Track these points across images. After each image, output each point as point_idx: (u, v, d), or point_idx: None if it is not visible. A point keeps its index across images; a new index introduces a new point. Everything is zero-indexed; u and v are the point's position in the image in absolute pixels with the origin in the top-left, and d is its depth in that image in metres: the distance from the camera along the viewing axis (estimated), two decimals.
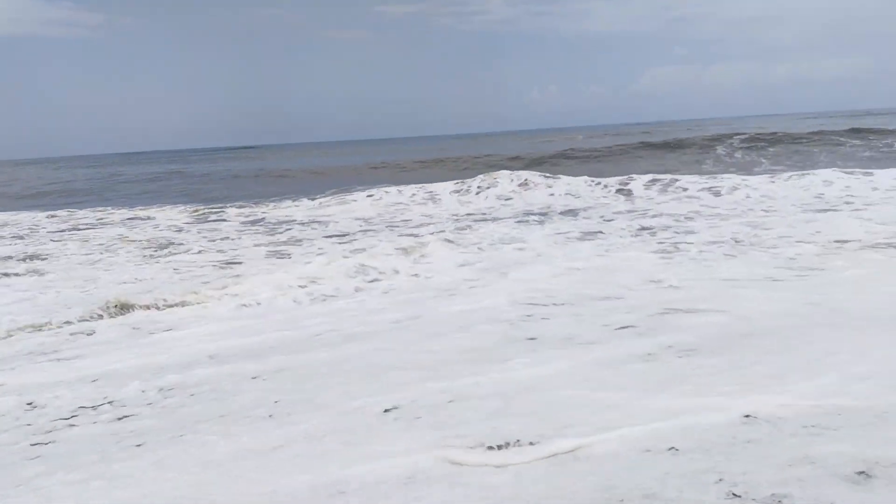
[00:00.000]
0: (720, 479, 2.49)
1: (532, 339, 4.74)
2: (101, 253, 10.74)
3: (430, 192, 16.70)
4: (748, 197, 13.82)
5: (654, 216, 12.23)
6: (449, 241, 10.06)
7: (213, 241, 11.83)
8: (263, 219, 15.41)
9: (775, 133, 24.56)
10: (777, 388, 3.35)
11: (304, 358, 4.51)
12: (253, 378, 4.13)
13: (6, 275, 9.03)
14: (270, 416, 3.44)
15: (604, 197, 15.30)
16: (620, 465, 2.61)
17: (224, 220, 15.38)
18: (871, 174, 14.47)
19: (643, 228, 10.69)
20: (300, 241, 11.08)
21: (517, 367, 3.97)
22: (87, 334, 5.71)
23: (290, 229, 13.19)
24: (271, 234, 12.43)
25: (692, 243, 9.03)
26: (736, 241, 9.02)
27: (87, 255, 10.62)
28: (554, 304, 5.89)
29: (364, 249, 9.52)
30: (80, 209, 19.26)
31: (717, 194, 14.35)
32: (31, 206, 21.63)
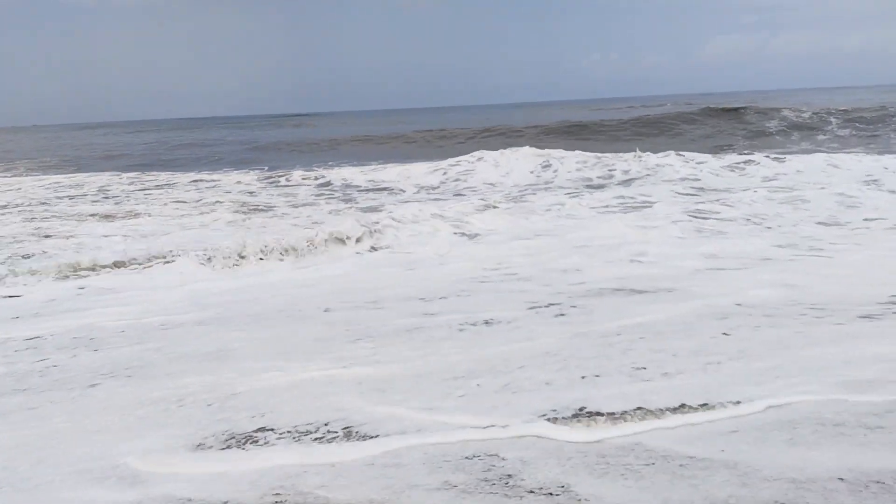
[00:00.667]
0: None
1: (429, 314, 4.65)
2: (200, 214, 11.38)
3: (479, 158, 16.71)
4: (800, 171, 13.58)
5: (700, 188, 12.48)
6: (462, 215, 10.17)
7: (297, 206, 12.28)
8: (329, 182, 16.04)
9: (845, 110, 24.48)
10: (611, 399, 3.02)
11: (179, 330, 4.60)
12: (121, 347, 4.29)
13: (111, 236, 9.38)
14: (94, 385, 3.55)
15: (659, 165, 14.99)
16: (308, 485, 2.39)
17: (296, 185, 15.92)
18: None
19: (683, 200, 11.00)
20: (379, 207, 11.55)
21: (365, 353, 3.85)
22: None
23: (358, 197, 13.54)
24: (347, 202, 12.82)
25: (723, 219, 9.16)
26: (762, 217, 9.11)
27: (183, 215, 11.24)
28: (501, 280, 5.87)
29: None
30: (148, 172, 20.67)
31: (773, 167, 14.19)
32: (102, 167, 23.32)
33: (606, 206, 10.82)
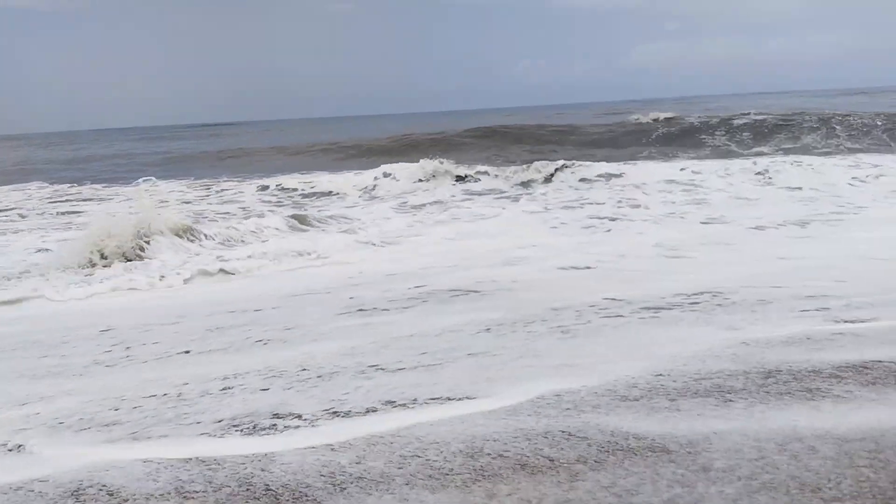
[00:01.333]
0: None
1: (222, 328, 4.64)
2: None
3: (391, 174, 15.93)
4: (711, 171, 13.73)
5: (622, 187, 12.87)
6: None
7: (250, 216, 11.79)
8: (267, 187, 15.85)
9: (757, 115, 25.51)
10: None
11: None
12: None
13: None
14: None
15: (584, 174, 14.45)
16: None
17: (235, 192, 15.77)
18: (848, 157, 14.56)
19: (603, 202, 11.34)
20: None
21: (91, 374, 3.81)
22: None
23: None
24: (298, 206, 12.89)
25: (632, 219, 9.63)
26: (660, 217, 9.62)
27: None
28: (343, 287, 5.95)
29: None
30: (68, 186, 20.02)
31: (690, 168, 14.17)
32: (9, 180, 22.75)
33: (529, 212, 11.18)
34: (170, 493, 2.37)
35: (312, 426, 2.87)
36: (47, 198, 17.01)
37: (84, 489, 2.44)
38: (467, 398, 3.08)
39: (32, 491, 2.46)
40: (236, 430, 2.87)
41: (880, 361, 3.32)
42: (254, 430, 2.88)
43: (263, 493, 2.34)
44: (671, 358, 3.43)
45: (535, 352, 3.68)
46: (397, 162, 17.21)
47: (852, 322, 3.97)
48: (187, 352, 4.18)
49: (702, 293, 4.85)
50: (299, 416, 2.97)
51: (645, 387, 3.09)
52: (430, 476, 2.39)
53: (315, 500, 2.29)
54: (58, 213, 13.96)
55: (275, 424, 2.92)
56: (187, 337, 4.51)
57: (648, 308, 4.48)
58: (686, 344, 3.64)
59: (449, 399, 3.07)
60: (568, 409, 2.90)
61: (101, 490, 2.43)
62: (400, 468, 2.44)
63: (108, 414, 3.18)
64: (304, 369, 3.62)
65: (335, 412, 3.00)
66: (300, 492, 2.33)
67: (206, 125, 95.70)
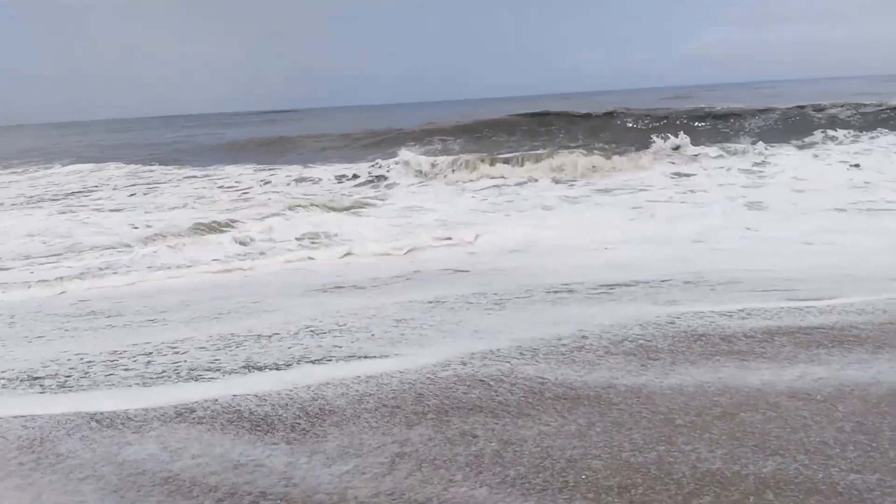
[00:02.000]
0: None
1: (187, 303, 5.03)
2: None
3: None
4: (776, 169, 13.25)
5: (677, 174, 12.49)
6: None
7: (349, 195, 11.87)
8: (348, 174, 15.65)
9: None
10: None
11: None
12: None
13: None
14: None
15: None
16: None
17: (311, 176, 15.72)
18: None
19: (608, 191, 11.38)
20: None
21: None
22: None
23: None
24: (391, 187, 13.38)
25: (679, 204, 9.63)
26: (702, 206, 9.36)
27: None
28: (341, 268, 6.21)
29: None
30: (144, 166, 20.43)
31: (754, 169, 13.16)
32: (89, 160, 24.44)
33: (581, 198, 11.03)
34: (173, 417, 2.88)
35: (231, 377, 3.27)
36: (126, 179, 17.84)
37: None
38: (382, 356, 3.43)
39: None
40: (180, 380, 3.33)
41: (818, 328, 3.54)
42: (183, 378, 3.33)
43: (259, 419, 2.80)
44: (595, 325, 3.69)
45: (458, 320, 3.99)
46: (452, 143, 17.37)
47: (805, 300, 4.12)
48: (153, 321, 4.69)
49: (679, 275, 4.98)
50: (220, 370, 3.39)
51: (573, 345, 3.39)
52: (392, 413, 2.77)
53: (304, 429, 2.70)
54: (138, 194, 14.80)
55: (200, 375, 3.34)
56: (158, 309, 4.99)
57: (606, 285, 4.69)
58: (616, 316, 3.88)
59: (366, 357, 3.42)
60: (486, 361, 3.26)
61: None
62: (361, 404, 2.86)
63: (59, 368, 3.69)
64: (250, 334, 4.03)
65: (251, 366, 3.41)
66: (290, 422, 2.78)
67: (263, 112, 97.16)
